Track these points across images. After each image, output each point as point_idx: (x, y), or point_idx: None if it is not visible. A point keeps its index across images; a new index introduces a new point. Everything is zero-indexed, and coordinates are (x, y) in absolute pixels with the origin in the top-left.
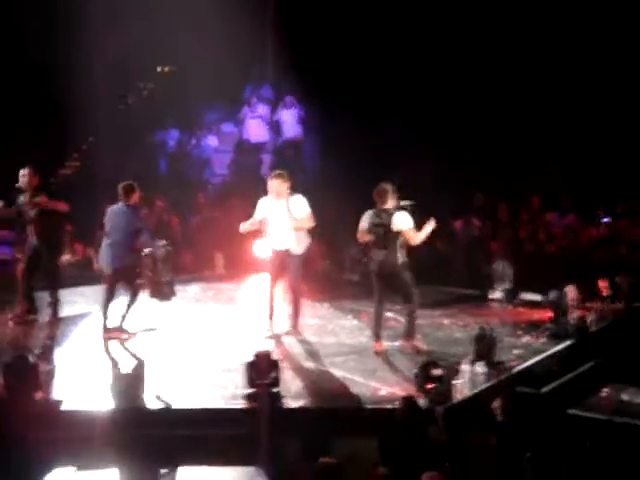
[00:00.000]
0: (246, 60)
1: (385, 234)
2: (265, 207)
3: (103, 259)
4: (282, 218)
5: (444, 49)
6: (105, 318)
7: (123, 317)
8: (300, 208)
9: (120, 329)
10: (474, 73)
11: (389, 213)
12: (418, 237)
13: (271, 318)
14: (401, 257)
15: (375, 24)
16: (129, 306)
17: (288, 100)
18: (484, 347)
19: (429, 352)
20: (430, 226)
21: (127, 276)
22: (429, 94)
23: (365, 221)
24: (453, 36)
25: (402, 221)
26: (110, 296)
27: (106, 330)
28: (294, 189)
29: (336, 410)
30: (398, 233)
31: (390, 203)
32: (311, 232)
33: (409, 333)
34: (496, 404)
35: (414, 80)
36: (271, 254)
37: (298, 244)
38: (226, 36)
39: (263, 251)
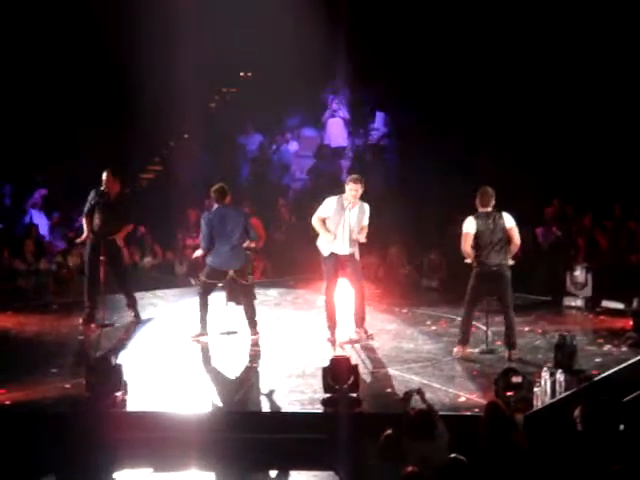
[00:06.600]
0: (328, 66)
1: (502, 236)
2: (334, 208)
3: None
4: (352, 223)
5: (530, 54)
6: (204, 321)
7: (252, 321)
8: (367, 217)
9: (257, 331)
10: (560, 80)
11: (498, 215)
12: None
13: (333, 329)
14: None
15: (461, 29)
16: (252, 310)
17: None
18: (564, 355)
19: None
20: None
21: (241, 277)
22: (511, 102)
23: (472, 226)
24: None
25: (511, 220)
26: (205, 300)
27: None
28: (368, 194)
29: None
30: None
31: (491, 206)
32: (386, 238)
33: (512, 343)
34: (577, 413)
35: (498, 86)
36: (330, 258)
37: (358, 250)
38: (309, 42)
39: (324, 249)
